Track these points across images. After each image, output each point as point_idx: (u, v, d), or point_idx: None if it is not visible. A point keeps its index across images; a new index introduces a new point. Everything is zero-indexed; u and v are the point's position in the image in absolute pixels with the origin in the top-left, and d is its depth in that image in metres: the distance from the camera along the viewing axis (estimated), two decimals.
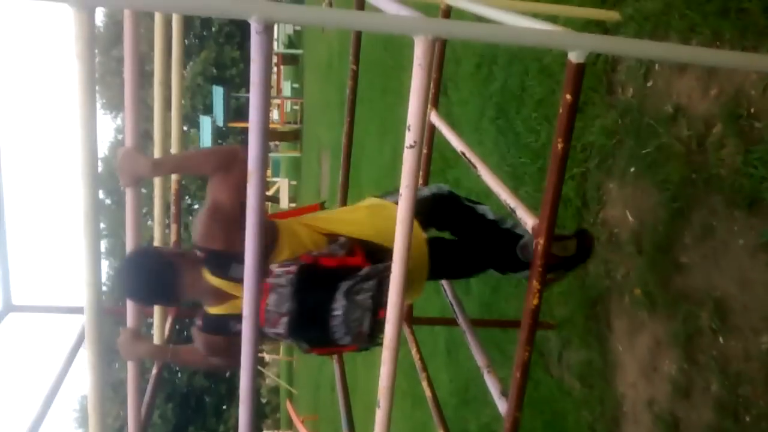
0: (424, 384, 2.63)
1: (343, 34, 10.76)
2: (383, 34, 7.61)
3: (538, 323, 1.57)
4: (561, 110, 1.43)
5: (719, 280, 2.25)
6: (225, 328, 2.11)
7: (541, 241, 1.51)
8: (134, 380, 2.16)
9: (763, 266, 2.09)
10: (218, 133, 18.56)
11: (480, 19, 1.80)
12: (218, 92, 17.79)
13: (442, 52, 2.87)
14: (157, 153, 2.50)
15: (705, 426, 2.25)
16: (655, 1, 2.61)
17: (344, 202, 3.16)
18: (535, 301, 1.54)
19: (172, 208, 2.90)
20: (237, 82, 25.06)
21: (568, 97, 1.41)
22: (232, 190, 1.97)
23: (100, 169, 1.48)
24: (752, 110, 2.14)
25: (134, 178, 1.94)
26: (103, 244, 24.39)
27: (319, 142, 14.41)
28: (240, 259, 1.96)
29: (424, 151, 2.88)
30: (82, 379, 1.60)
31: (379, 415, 1.44)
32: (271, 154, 20.15)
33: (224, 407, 24.64)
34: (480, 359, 2.25)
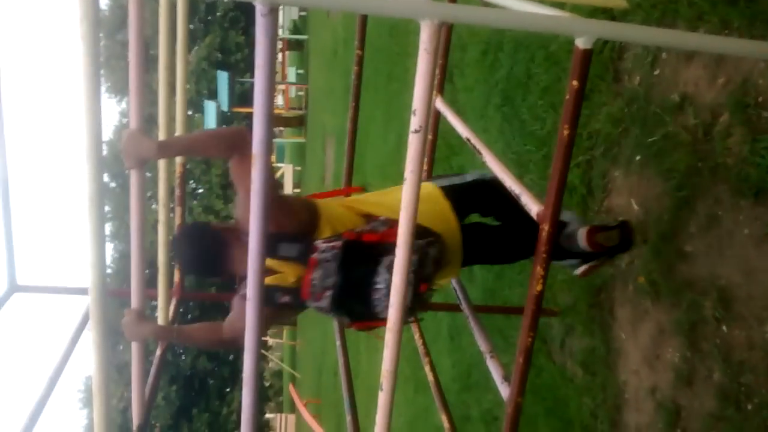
0: (427, 369, 2.64)
1: (349, 20, 10.71)
2: (389, 20, 7.58)
3: (541, 310, 1.58)
4: (567, 96, 1.42)
5: (724, 269, 2.25)
6: (271, 299, 2.16)
7: (546, 227, 1.51)
8: (138, 362, 2.17)
9: None
10: (223, 118, 18.52)
11: (487, 4, 1.78)
12: (223, 77, 17.73)
13: (448, 37, 2.85)
14: (161, 137, 2.50)
15: (707, 414, 2.26)
16: None
17: (349, 187, 3.16)
18: (539, 287, 1.54)
19: (177, 192, 2.90)
20: (242, 67, 24.96)
21: (575, 83, 1.40)
22: None
23: (104, 152, 1.48)
24: (760, 99, 2.13)
25: (139, 161, 1.94)
26: (108, 227, 24.46)
27: (323, 129, 14.38)
28: (286, 238, 2.06)
29: (429, 137, 2.87)
30: (87, 360, 1.61)
31: (382, 398, 1.45)
32: (276, 140, 20.14)
33: (227, 390, 24.77)
34: (483, 345, 2.26)
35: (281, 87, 20.02)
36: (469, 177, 2.51)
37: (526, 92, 3.83)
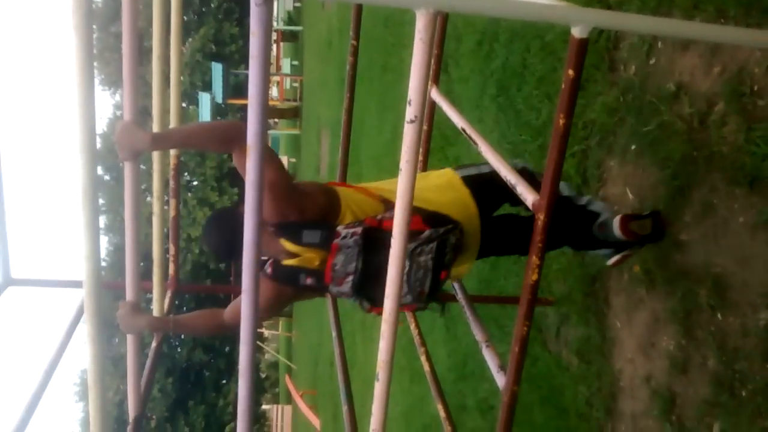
0: (423, 359, 2.65)
1: (343, 11, 10.66)
2: (384, 11, 7.55)
3: (536, 299, 1.58)
4: (563, 86, 1.42)
5: (719, 258, 2.25)
6: (296, 280, 2.20)
7: (542, 217, 1.51)
8: (134, 354, 2.17)
9: (763, 244, 2.09)
10: (217, 110, 18.43)
11: None
12: (217, 69, 17.64)
13: (443, 27, 2.84)
14: (155, 130, 2.48)
15: (701, 401, 2.27)
16: None
17: (344, 180, 3.15)
18: (534, 277, 1.54)
19: (171, 184, 2.89)
20: (236, 59, 24.81)
21: (571, 72, 1.40)
22: (268, 163, 2.03)
23: (98, 145, 1.47)
24: (755, 88, 2.13)
25: (133, 152, 1.94)
26: (102, 220, 24.39)
27: (318, 120, 14.34)
28: (309, 225, 2.13)
29: (425, 127, 2.86)
30: (83, 353, 1.60)
31: (378, 388, 1.45)
32: (271, 132, 20.07)
33: (224, 382, 24.78)
34: (479, 334, 2.27)
35: (276, 78, 19.94)
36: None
37: (521, 82, 3.82)
